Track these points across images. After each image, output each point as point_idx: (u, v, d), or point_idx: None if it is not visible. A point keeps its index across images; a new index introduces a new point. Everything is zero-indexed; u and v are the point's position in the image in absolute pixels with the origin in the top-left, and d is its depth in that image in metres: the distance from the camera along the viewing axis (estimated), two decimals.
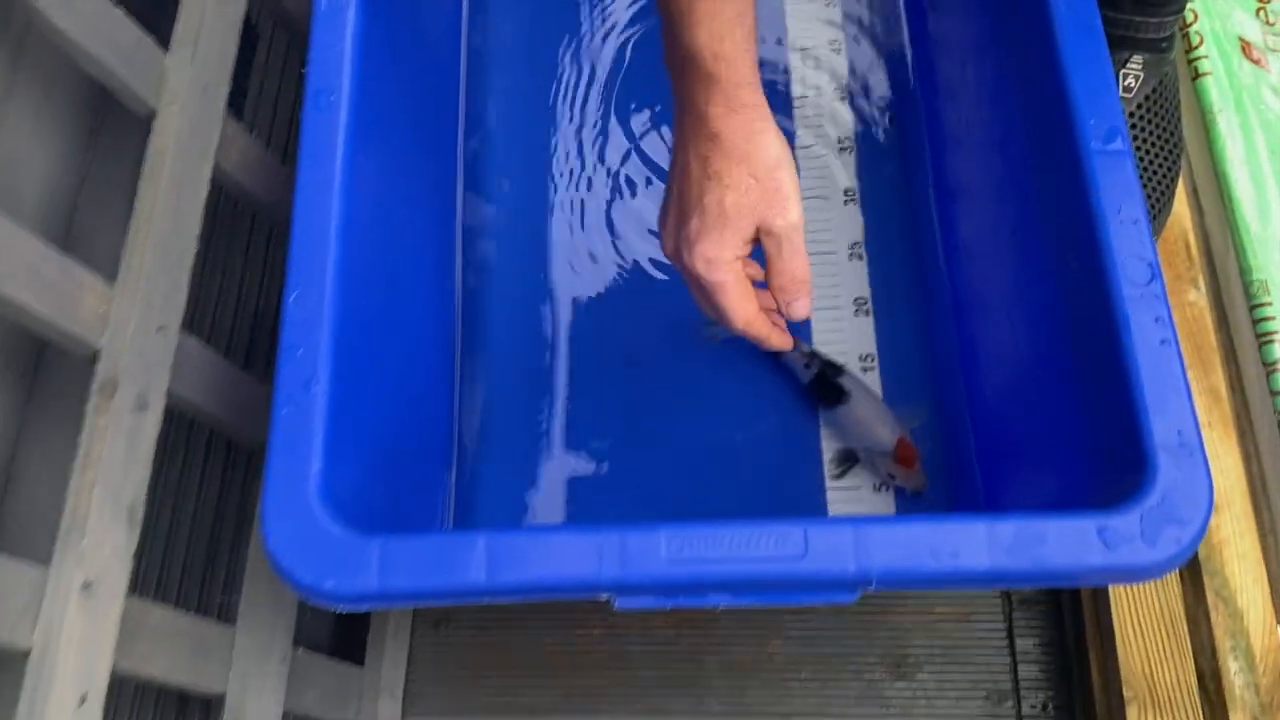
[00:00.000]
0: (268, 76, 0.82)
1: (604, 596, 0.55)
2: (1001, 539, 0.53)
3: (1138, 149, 0.80)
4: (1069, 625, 0.81)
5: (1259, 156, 0.87)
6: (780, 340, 0.68)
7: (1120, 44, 0.76)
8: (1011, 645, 0.81)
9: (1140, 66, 0.79)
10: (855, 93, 0.93)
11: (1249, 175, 0.86)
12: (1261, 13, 0.94)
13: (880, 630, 0.82)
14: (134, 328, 0.57)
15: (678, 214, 0.61)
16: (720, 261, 0.60)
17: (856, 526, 0.54)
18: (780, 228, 0.60)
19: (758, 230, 0.60)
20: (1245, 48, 0.92)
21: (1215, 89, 0.89)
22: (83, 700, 0.51)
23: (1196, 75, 0.90)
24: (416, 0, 0.81)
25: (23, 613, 0.50)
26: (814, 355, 0.78)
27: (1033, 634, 0.82)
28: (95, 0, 0.58)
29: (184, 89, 0.63)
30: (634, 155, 0.90)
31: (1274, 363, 0.80)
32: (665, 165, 0.85)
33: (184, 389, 0.61)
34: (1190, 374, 0.64)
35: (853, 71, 0.94)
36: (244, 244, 0.79)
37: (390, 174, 0.70)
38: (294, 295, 0.58)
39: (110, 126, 0.65)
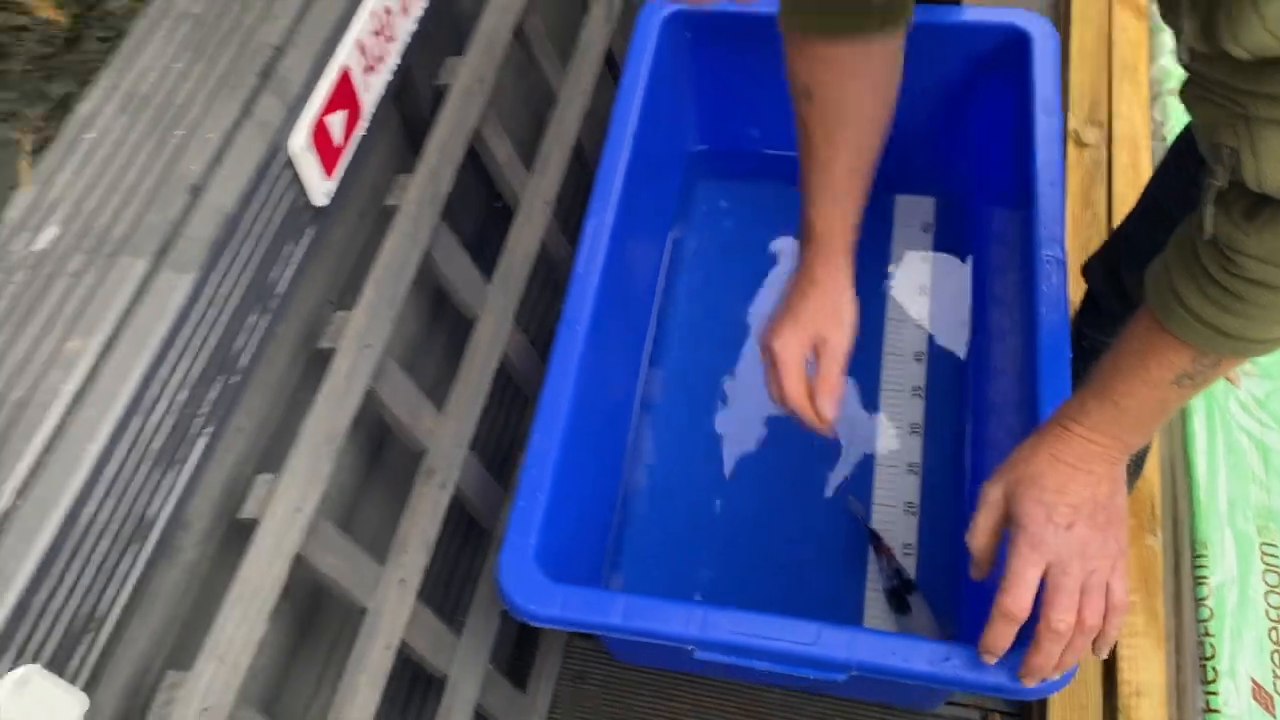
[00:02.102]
0: (538, 302, 1.27)
1: (690, 648, 0.90)
2: (936, 655, 0.87)
3: None
4: None
5: (1217, 452, 1.18)
6: (811, 422, 0.98)
7: None
8: None
9: None
10: (932, 352, 1.30)
11: (1207, 465, 1.17)
12: None
13: None
14: (448, 442, 0.99)
15: (774, 313, 0.99)
16: (786, 344, 0.97)
17: (852, 633, 0.89)
18: (831, 342, 0.96)
19: (815, 340, 0.96)
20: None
21: (1195, 407, 1.21)
22: (387, 648, 0.90)
23: None
24: (631, 274, 1.25)
25: (368, 589, 0.89)
26: (898, 572, 1.12)
27: None
28: (457, 252, 1.03)
29: (496, 307, 1.07)
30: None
31: (1204, 598, 1.09)
32: None
33: (464, 485, 1.02)
34: (1136, 595, 0.96)
35: (931, 340, 1.31)
36: (508, 399, 1.21)
37: (603, 364, 1.11)
38: (536, 437, 0.99)
39: (445, 323, 1.09)
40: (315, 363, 0.88)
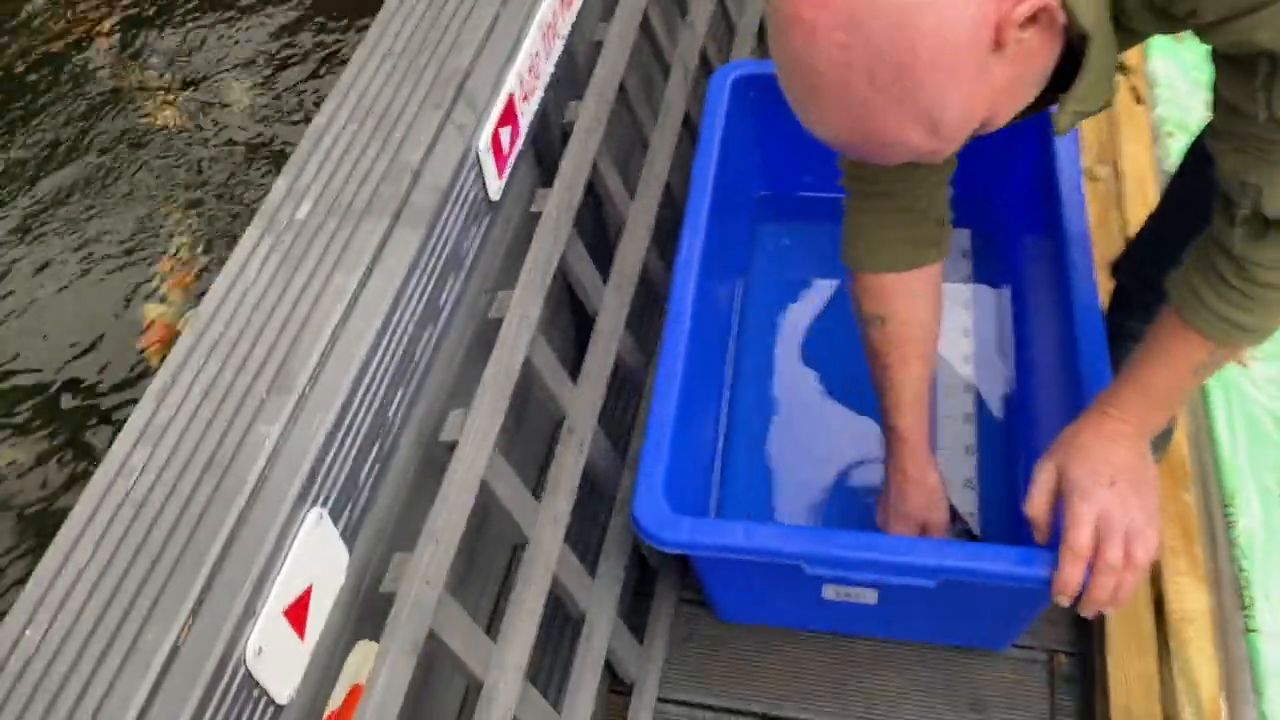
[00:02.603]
0: (643, 310, 1.46)
1: (801, 565, 1.07)
2: (1012, 556, 1.03)
3: None
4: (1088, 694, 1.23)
5: (1236, 423, 1.36)
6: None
7: None
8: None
9: None
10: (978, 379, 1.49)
11: (1229, 432, 1.34)
12: None
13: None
14: (584, 409, 1.17)
15: (882, 505, 1.21)
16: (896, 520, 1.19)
17: (939, 543, 1.05)
18: (932, 522, 1.18)
19: (921, 526, 1.17)
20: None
21: (1213, 387, 1.39)
22: (546, 569, 1.06)
23: None
24: (715, 293, 1.44)
25: (530, 522, 1.06)
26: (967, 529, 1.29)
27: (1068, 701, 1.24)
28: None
29: (613, 305, 1.27)
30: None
31: (1235, 538, 1.25)
32: None
33: (595, 449, 1.20)
34: (1178, 541, 1.12)
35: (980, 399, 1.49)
36: (618, 386, 1.40)
37: (699, 354, 1.30)
38: (655, 407, 1.17)
39: (570, 314, 1.29)
40: (485, 329, 1.07)
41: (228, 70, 2.59)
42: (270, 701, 0.74)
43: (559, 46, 1.19)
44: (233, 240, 1.54)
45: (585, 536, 1.28)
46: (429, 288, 0.93)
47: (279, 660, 0.73)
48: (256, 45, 2.67)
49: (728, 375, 1.51)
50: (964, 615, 1.21)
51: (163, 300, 2.19)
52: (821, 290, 1.62)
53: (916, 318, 1.14)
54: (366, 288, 0.86)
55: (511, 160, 1.08)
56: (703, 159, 1.41)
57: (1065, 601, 0.99)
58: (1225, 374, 1.40)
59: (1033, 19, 0.69)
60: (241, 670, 0.70)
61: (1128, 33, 0.79)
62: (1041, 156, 1.44)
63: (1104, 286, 1.34)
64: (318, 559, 0.77)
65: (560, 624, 1.21)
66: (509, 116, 1.06)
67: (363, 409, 0.84)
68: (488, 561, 1.15)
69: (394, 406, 0.89)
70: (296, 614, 0.75)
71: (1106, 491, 0.96)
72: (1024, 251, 1.54)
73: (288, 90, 2.54)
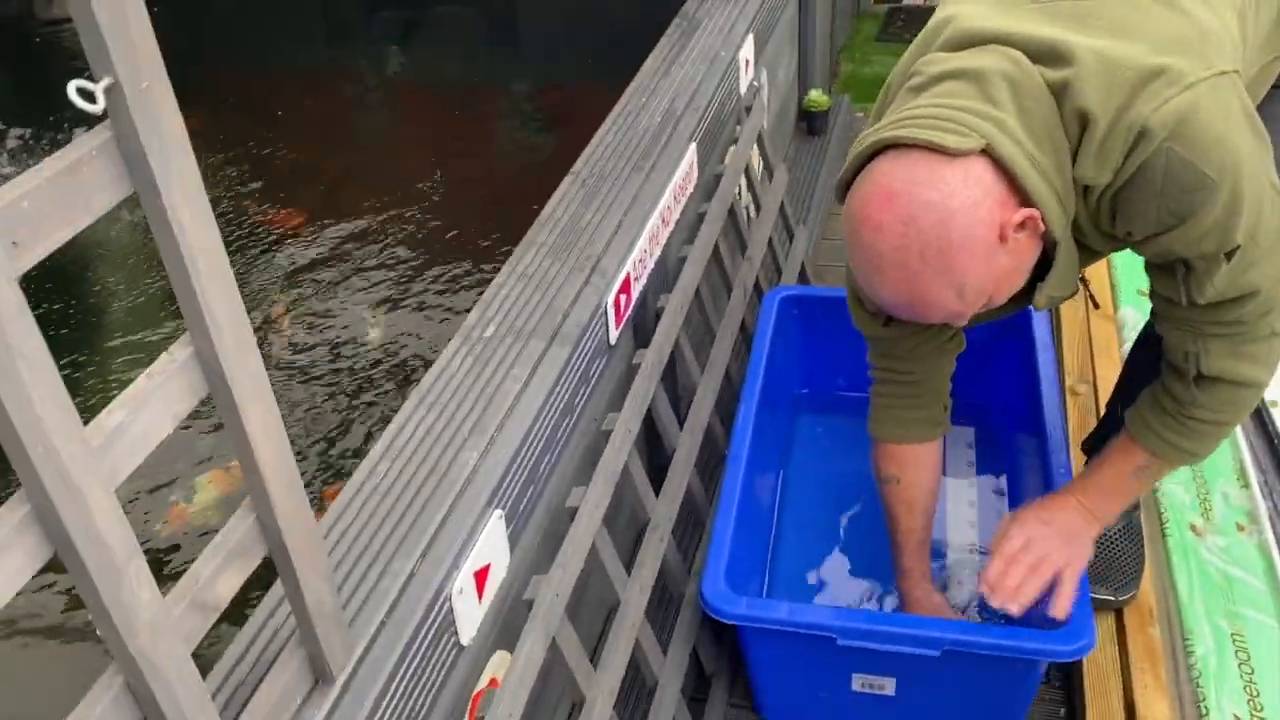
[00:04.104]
0: (706, 464, 1.82)
1: (832, 635, 1.36)
2: (1001, 632, 1.32)
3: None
4: None
5: (1193, 579, 1.65)
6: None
7: None
8: None
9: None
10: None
11: (1186, 585, 1.63)
12: (1203, 507, 1.77)
13: None
14: (666, 513, 1.51)
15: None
16: None
17: (944, 623, 1.35)
18: None
19: None
20: (1193, 528, 1.74)
21: (1175, 550, 1.69)
22: (633, 627, 1.36)
23: (1163, 531, 1.71)
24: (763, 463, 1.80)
25: (618, 586, 1.37)
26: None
27: None
28: None
29: (686, 446, 1.63)
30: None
31: (1193, 662, 1.51)
32: None
33: (669, 546, 1.51)
34: (1145, 664, 1.42)
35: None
36: (684, 517, 1.72)
37: (752, 486, 1.64)
38: (719, 515, 1.50)
39: (649, 448, 1.64)
40: (598, 440, 1.43)
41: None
42: (457, 643, 1.05)
43: (658, 251, 1.63)
44: None
45: (659, 621, 1.56)
46: (568, 391, 1.31)
47: (467, 607, 1.05)
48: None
49: (775, 503, 1.84)
50: (969, 704, 1.46)
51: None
52: (845, 468, 1.97)
53: (922, 480, 1.51)
54: (530, 384, 1.24)
55: (627, 317, 1.49)
56: (755, 362, 1.81)
57: (987, 591, 1.30)
58: (1185, 540, 1.71)
59: (1023, 225, 1.04)
60: (447, 603, 1.01)
61: (1085, 250, 1.14)
62: (1029, 374, 1.82)
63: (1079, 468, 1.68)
64: (495, 545, 1.10)
65: (637, 691, 1.47)
66: (626, 287, 1.48)
67: (526, 455, 1.19)
68: (589, 617, 1.44)
69: (542, 465, 1.24)
70: (480, 578, 1.07)
71: (1041, 528, 1.31)
72: (1017, 448, 1.90)
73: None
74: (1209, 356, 1.16)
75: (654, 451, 1.67)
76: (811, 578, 1.74)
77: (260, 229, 2.90)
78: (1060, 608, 1.28)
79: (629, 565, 1.42)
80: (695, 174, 1.82)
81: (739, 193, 2.11)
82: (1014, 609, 1.29)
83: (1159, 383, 1.25)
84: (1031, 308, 1.16)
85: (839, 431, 2.04)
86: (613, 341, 1.45)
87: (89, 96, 0.58)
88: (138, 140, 0.60)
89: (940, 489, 1.56)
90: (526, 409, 1.20)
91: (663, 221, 1.64)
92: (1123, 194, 1.04)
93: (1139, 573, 1.63)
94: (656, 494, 1.53)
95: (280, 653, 0.86)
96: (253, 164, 3.25)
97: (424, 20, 4.33)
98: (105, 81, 0.58)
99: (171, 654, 0.69)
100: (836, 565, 1.76)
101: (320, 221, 2.88)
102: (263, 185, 3.12)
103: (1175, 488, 1.81)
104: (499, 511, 1.11)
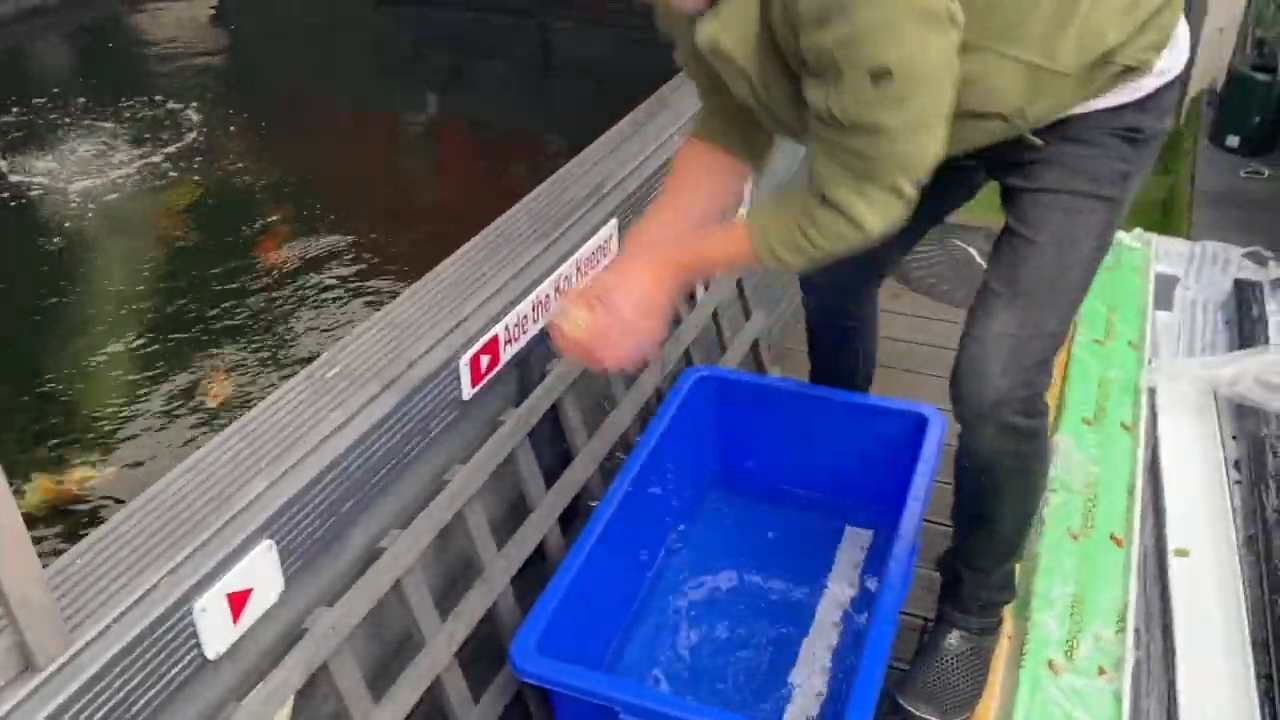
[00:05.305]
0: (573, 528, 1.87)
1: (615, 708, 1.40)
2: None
3: None
4: None
5: (1034, 713, 1.63)
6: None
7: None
8: None
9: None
10: None
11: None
12: (1070, 645, 1.74)
13: None
14: (502, 567, 1.57)
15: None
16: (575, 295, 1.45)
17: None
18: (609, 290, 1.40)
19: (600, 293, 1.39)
20: (1051, 663, 1.72)
21: (1025, 682, 1.68)
22: (432, 668, 1.43)
23: (1020, 660, 1.70)
24: (642, 518, 1.86)
25: (424, 629, 1.44)
26: None
27: None
28: None
29: (548, 504, 1.69)
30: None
31: None
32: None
33: (502, 601, 1.58)
34: None
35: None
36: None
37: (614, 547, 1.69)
38: (560, 569, 1.56)
39: (509, 501, 1.71)
40: (439, 486, 1.50)
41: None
42: (200, 656, 1.13)
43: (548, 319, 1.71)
44: None
45: (482, 673, 1.62)
46: (394, 439, 1.39)
47: (215, 624, 1.13)
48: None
49: (644, 581, 1.88)
50: None
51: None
52: (740, 547, 2.00)
53: (691, 175, 1.51)
54: (346, 426, 1.33)
55: (488, 379, 1.57)
56: (649, 430, 1.87)
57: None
58: (1038, 674, 1.69)
59: None
60: (188, 617, 1.10)
61: (775, 51, 1.23)
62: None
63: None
64: (262, 573, 1.19)
65: None
66: (491, 347, 1.56)
67: (321, 492, 1.28)
68: (392, 656, 1.51)
69: (346, 505, 1.33)
70: (237, 599, 1.16)
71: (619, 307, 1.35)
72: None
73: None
74: (833, 184, 1.24)
75: (516, 506, 1.73)
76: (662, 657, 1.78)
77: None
78: None
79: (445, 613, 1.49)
80: (615, 247, 1.89)
81: None
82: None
83: (794, 195, 1.32)
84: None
85: (741, 515, 2.08)
86: (465, 397, 1.53)
87: None
88: None
89: (701, 217, 1.51)
90: (332, 449, 1.29)
91: (556, 290, 1.71)
92: None
93: (972, 701, 1.63)
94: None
95: None
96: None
97: (468, 70, 4.45)
98: None
99: None
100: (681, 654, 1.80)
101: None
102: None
103: (1048, 619, 1.79)
104: (270, 542, 1.20)
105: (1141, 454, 2.16)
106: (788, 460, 2.06)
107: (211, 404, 2.08)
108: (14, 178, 3.26)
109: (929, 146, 1.22)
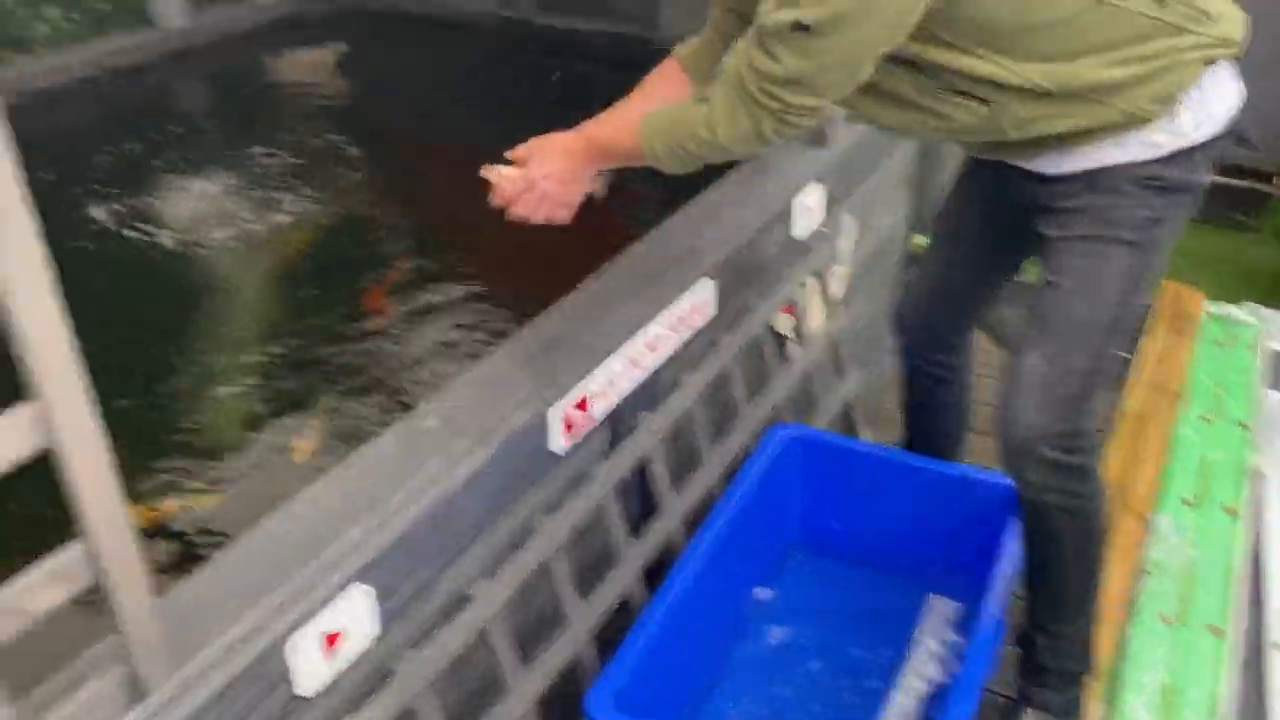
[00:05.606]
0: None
1: None
2: None
3: None
4: None
5: None
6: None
7: None
8: None
9: None
10: None
11: None
12: None
13: None
14: (586, 616, 1.61)
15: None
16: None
17: None
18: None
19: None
20: None
21: None
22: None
23: None
24: (730, 571, 1.87)
25: (509, 676, 1.48)
26: None
27: None
28: None
29: (631, 556, 1.72)
30: None
31: None
32: None
33: (586, 653, 1.61)
34: None
35: None
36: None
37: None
38: (637, 626, 1.58)
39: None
40: (525, 537, 1.55)
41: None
42: (292, 693, 1.19)
43: (640, 375, 1.75)
44: None
45: None
46: (488, 488, 1.44)
47: (308, 664, 1.19)
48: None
49: (724, 640, 1.89)
50: None
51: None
52: (822, 610, 2.00)
53: (660, 98, 1.65)
54: (442, 478, 1.38)
55: (578, 433, 1.61)
56: (733, 488, 1.89)
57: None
58: None
59: None
60: (279, 654, 1.16)
61: None
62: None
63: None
64: (357, 615, 1.25)
65: None
66: (583, 404, 1.61)
67: (416, 540, 1.33)
68: (474, 701, 1.55)
69: (438, 552, 1.38)
70: (331, 640, 1.22)
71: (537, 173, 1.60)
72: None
73: None
74: (718, 82, 1.41)
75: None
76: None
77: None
78: None
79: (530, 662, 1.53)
80: (712, 306, 1.93)
81: (786, 330, 2.20)
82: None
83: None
84: None
85: (824, 577, 2.08)
86: (558, 451, 1.58)
87: None
88: None
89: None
90: (428, 498, 1.35)
91: (649, 348, 1.76)
92: None
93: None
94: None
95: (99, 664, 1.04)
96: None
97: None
98: None
99: None
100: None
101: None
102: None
103: (1137, 705, 1.75)
104: (366, 586, 1.26)
105: (1245, 541, 2.09)
106: (873, 525, 2.06)
107: (297, 460, 2.16)
108: (137, 216, 3.45)
109: (815, 105, 1.37)
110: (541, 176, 1.59)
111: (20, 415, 0.87)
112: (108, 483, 0.95)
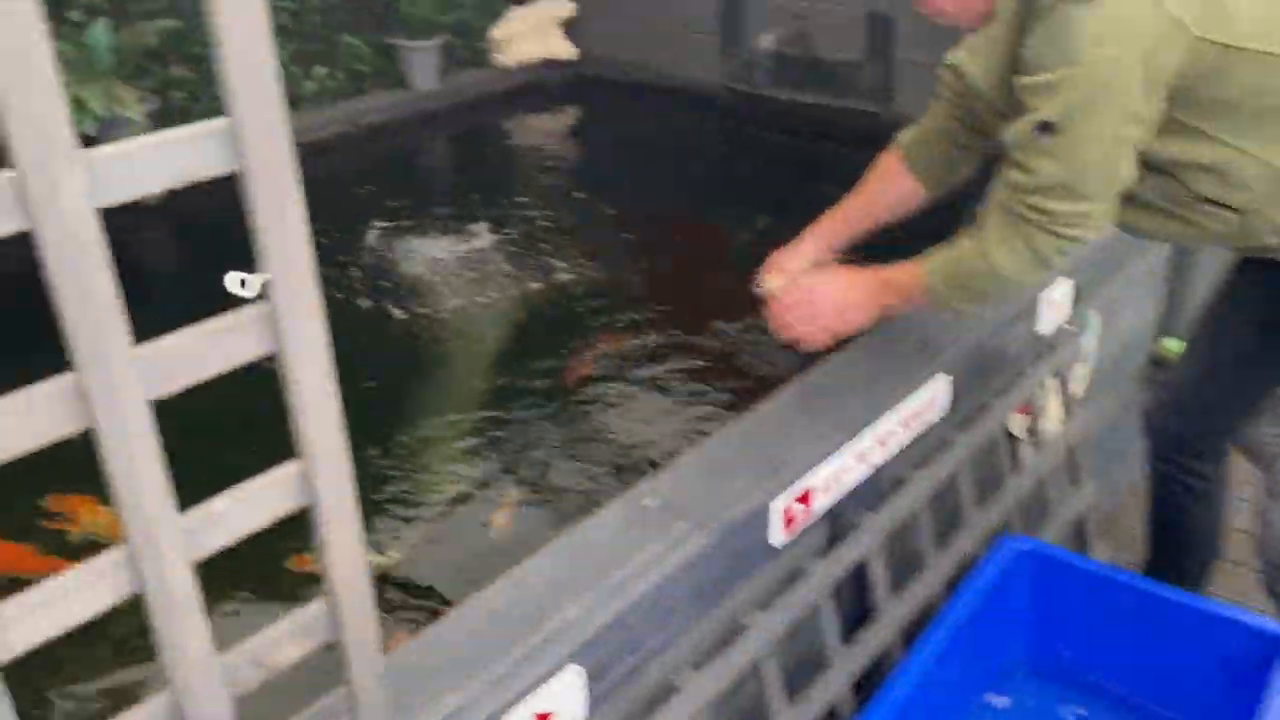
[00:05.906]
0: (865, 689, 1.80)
1: None
2: None
3: None
4: None
5: None
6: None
7: None
8: None
9: None
10: None
11: None
12: None
13: None
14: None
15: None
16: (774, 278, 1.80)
17: None
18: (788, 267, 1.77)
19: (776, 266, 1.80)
20: None
21: None
22: None
23: None
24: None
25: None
26: None
27: None
28: None
29: (847, 663, 1.64)
30: None
31: None
32: None
33: None
34: None
35: None
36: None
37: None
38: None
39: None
40: (736, 630, 1.50)
41: None
42: None
43: (866, 471, 1.67)
44: None
45: None
46: (705, 576, 1.40)
47: None
48: None
49: None
50: None
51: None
52: None
53: (883, 192, 1.76)
54: (657, 564, 1.35)
55: (798, 527, 1.55)
56: (956, 600, 1.77)
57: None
58: None
59: None
60: None
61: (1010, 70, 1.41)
62: None
63: None
64: (567, 696, 1.23)
65: None
66: (805, 498, 1.55)
67: (627, 625, 1.30)
68: None
69: (648, 639, 1.35)
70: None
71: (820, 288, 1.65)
72: None
73: None
74: (987, 215, 1.43)
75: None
76: None
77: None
78: None
79: None
80: (945, 402, 1.84)
81: (1020, 431, 2.07)
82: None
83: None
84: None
85: (1050, 705, 1.91)
86: (776, 544, 1.52)
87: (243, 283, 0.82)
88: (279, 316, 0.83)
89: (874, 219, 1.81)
90: (646, 580, 1.32)
91: (879, 443, 1.68)
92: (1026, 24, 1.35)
93: None
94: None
95: None
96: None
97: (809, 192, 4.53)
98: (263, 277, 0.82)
99: (210, 694, 0.90)
100: None
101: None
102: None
103: None
104: (578, 667, 1.23)
105: None
106: (1110, 656, 1.88)
107: (494, 530, 2.19)
108: (371, 272, 3.64)
109: (1084, 211, 1.35)
110: (820, 284, 1.64)
111: (288, 472, 0.90)
112: (356, 543, 0.96)
